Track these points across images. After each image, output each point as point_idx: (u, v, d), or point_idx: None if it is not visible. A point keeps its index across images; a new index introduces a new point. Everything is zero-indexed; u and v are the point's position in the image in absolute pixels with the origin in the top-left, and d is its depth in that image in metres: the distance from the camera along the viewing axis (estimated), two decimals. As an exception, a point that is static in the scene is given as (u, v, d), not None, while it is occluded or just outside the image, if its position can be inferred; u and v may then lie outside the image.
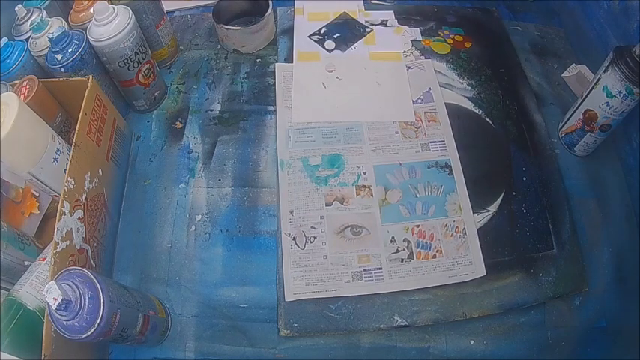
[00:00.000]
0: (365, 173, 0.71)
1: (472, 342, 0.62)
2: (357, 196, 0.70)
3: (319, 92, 0.80)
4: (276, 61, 0.85)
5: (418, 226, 0.68)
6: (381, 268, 0.65)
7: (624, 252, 0.68)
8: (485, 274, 0.64)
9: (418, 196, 0.70)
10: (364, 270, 0.65)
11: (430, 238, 0.67)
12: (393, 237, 0.67)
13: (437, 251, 0.66)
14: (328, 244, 0.66)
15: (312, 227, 0.67)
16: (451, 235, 0.67)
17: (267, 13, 0.84)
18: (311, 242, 0.66)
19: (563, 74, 0.84)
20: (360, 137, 0.75)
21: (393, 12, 0.92)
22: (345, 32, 0.88)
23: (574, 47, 0.88)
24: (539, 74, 0.85)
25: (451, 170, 0.72)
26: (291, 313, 0.62)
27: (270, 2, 0.85)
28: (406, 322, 0.62)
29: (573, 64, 0.82)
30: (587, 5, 0.83)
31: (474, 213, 0.69)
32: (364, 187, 0.70)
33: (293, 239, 0.67)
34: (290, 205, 0.69)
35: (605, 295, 0.65)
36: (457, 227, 0.67)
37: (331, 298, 0.63)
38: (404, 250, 0.66)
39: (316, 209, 0.69)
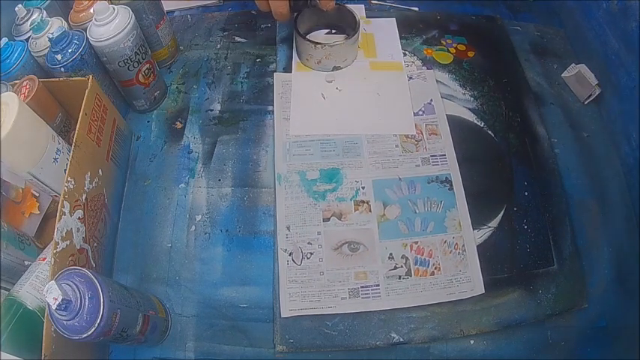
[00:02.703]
0: (363, 188, 0.70)
1: (472, 342, 0.62)
2: (355, 211, 0.68)
3: (318, 104, 0.79)
4: (275, 62, 0.85)
5: (417, 242, 0.66)
6: (378, 285, 0.64)
7: (624, 252, 0.68)
8: (483, 292, 0.64)
9: (417, 211, 0.68)
10: (361, 287, 0.64)
11: (429, 255, 0.66)
12: (391, 254, 0.66)
13: (435, 268, 0.65)
14: (325, 260, 0.65)
15: (308, 243, 0.67)
16: (450, 252, 0.66)
17: (357, 19, 0.78)
18: (307, 258, 0.66)
19: (563, 74, 0.84)
20: (359, 151, 0.74)
21: (394, 19, 0.89)
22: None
23: (574, 47, 0.88)
24: (539, 74, 0.85)
25: (451, 185, 0.71)
26: (287, 329, 0.62)
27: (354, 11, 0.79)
28: (403, 340, 0.61)
29: (573, 64, 0.82)
30: (586, 5, 0.83)
31: (474, 229, 0.68)
32: (362, 202, 0.69)
33: (289, 255, 0.66)
34: (287, 221, 0.68)
35: (605, 295, 0.65)
36: (456, 244, 0.66)
37: (328, 314, 0.63)
38: (402, 267, 0.65)
39: (313, 225, 0.68)
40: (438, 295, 0.63)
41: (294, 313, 0.63)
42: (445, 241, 0.67)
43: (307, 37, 0.80)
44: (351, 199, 0.69)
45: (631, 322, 0.64)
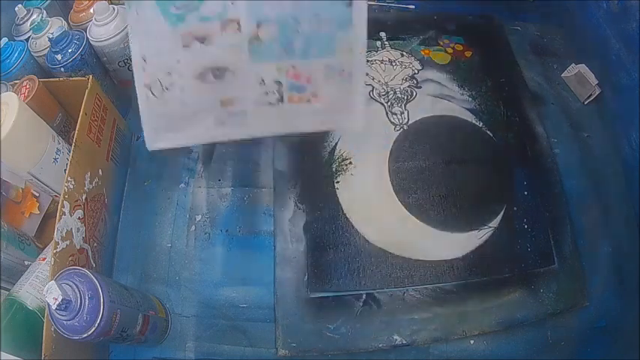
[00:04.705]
0: (233, 3, 0.54)
1: (472, 342, 0.62)
2: (221, 32, 0.54)
3: None
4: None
5: (294, 66, 0.56)
6: (245, 112, 0.58)
7: (624, 252, 0.68)
8: (361, 124, 0.59)
9: (300, 30, 0.54)
10: (228, 115, 0.58)
11: (307, 81, 0.57)
12: (262, 79, 0.57)
13: (313, 95, 0.57)
14: (187, 90, 0.57)
15: (168, 73, 0.56)
16: (333, 79, 0.57)
17: None
18: (168, 90, 0.56)
19: (563, 74, 0.84)
20: None
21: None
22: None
23: (574, 47, 0.88)
24: (539, 74, 0.85)
25: None
26: (289, 333, 0.62)
27: None
28: (405, 342, 0.61)
29: (573, 64, 0.82)
30: (587, 5, 0.83)
31: (473, 229, 0.67)
32: (231, 21, 0.54)
33: (149, 89, 0.57)
34: (142, 51, 0.56)
35: (605, 295, 0.65)
36: (343, 70, 0.57)
37: (329, 317, 0.62)
38: (273, 93, 0.57)
39: (171, 52, 0.55)
40: (311, 123, 0.59)
41: (162, 145, 0.59)
42: (329, 66, 0.57)
43: None
44: (216, 19, 0.54)
45: (631, 322, 0.64)
